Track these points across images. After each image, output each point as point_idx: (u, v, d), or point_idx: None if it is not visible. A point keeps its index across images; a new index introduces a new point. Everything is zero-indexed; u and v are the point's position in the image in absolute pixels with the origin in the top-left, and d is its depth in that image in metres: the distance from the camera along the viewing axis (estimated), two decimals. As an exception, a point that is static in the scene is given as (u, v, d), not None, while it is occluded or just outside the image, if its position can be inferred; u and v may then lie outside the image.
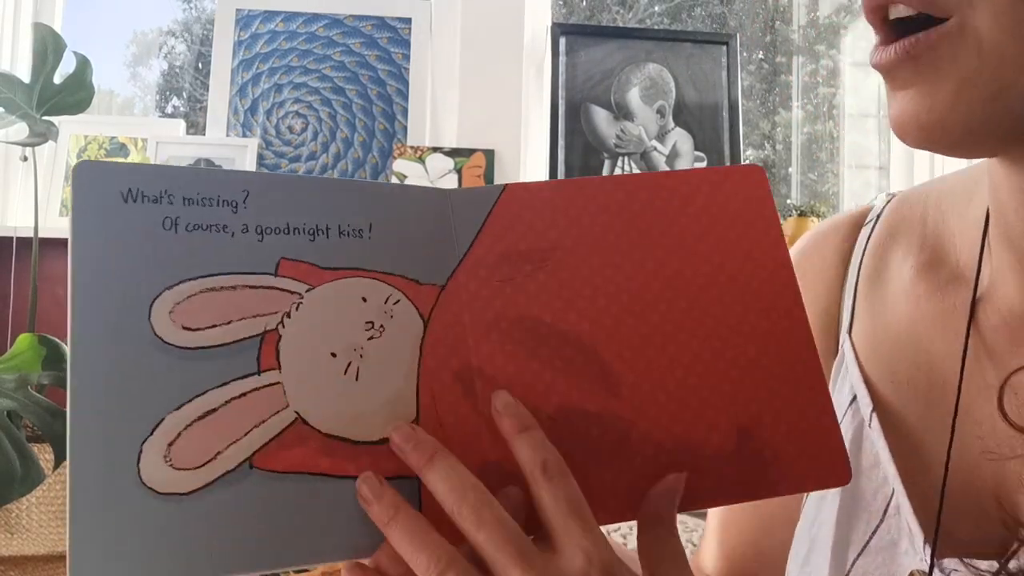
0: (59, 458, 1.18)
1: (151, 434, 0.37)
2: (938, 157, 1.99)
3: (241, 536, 0.37)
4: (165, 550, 0.36)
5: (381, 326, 0.42)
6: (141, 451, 0.36)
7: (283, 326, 0.40)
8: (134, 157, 1.90)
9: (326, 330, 0.41)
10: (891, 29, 0.40)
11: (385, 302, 0.42)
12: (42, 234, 1.60)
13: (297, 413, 0.39)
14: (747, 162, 2.01)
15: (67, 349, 0.37)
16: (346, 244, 0.42)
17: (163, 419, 0.37)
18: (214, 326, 0.39)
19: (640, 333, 0.44)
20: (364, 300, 0.42)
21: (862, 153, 2.26)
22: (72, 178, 0.39)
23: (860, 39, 2.32)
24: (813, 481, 0.44)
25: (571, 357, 0.43)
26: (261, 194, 0.41)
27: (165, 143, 1.92)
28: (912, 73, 0.39)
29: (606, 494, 0.42)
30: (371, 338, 0.41)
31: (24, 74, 1.60)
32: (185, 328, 0.38)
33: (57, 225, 1.84)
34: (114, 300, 0.38)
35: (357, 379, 0.41)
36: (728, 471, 0.43)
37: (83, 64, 1.58)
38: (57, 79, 1.58)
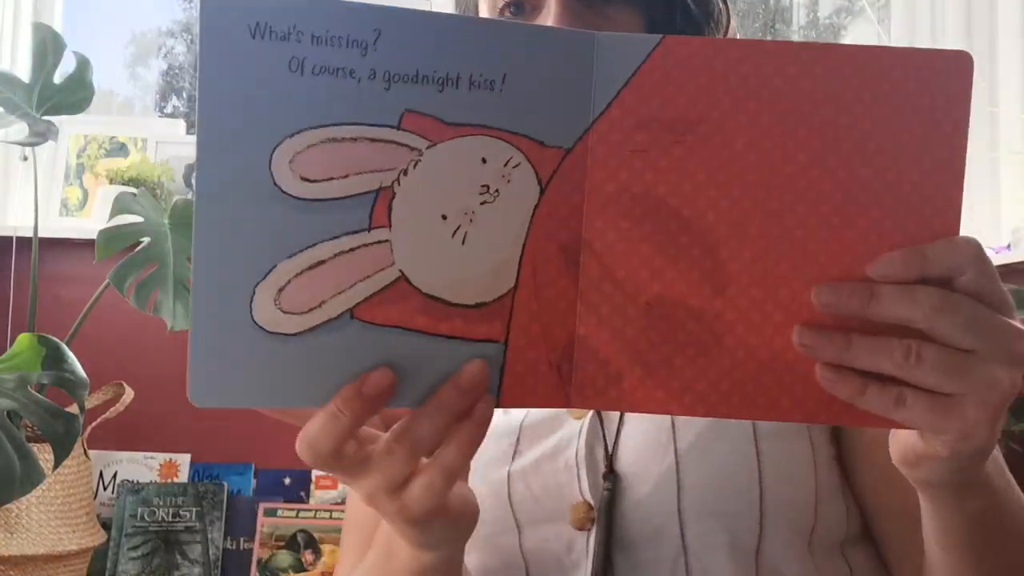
0: (59, 458, 1.18)
1: (264, 278, 0.39)
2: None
3: (335, 377, 0.40)
4: (268, 381, 0.39)
5: (496, 190, 0.41)
6: (254, 293, 0.39)
7: (398, 184, 0.40)
8: (134, 157, 1.90)
9: (441, 191, 0.40)
10: None
11: (505, 165, 0.41)
12: (42, 234, 1.60)
13: (401, 271, 0.40)
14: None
15: (193, 213, 0.39)
16: (475, 97, 0.40)
17: (276, 266, 0.39)
18: (331, 179, 0.39)
19: (767, 234, 0.40)
20: (484, 161, 0.41)
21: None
22: (200, 9, 0.38)
23: (860, 41, 2.32)
24: (887, 423, 0.41)
25: (686, 247, 0.41)
26: (394, 34, 0.39)
27: (165, 143, 1.92)
28: None
29: (683, 388, 0.42)
30: (484, 203, 0.41)
31: (24, 74, 1.60)
32: (303, 179, 0.39)
33: (57, 225, 1.83)
34: (238, 146, 0.38)
35: (464, 243, 0.41)
36: (821, 392, 0.41)
37: (83, 64, 1.58)
38: (57, 79, 1.58)
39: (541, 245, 0.41)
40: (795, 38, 2.37)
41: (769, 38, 2.33)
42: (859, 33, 2.31)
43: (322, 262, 0.39)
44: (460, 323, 0.41)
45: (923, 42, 2.04)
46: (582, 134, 0.41)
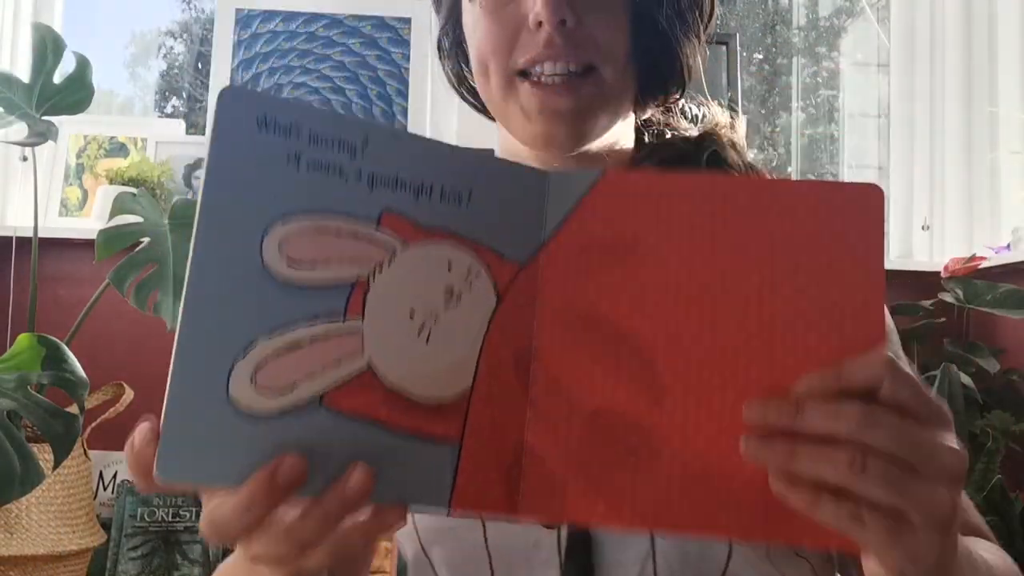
0: (59, 458, 1.18)
1: (243, 355, 0.40)
2: (937, 158, 1.98)
3: None
4: (237, 461, 0.40)
5: (459, 295, 0.44)
6: (232, 368, 0.40)
7: (373, 278, 0.43)
8: (134, 157, 1.90)
9: (411, 290, 0.43)
10: None
11: (468, 272, 0.44)
12: (42, 234, 1.60)
13: (369, 362, 0.42)
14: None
15: (187, 269, 0.41)
16: (446, 207, 0.44)
17: (255, 342, 0.40)
18: (315, 265, 0.41)
19: (701, 348, 0.43)
20: (449, 267, 0.44)
21: (862, 154, 2.26)
22: (217, 102, 0.41)
23: (860, 41, 2.33)
24: (839, 542, 0.41)
25: (625, 360, 0.44)
26: (379, 143, 0.43)
27: (165, 143, 1.92)
28: None
29: (622, 501, 0.43)
30: (448, 306, 0.44)
31: (24, 74, 1.60)
32: (290, 261, 0.41)
33: (57, 225, 1.83)
34: (234, 225, 0.41)
35: (428, 342, 0.43)
36: (755, 508, 0.41)
37: (83, 64, 1.58)
38: (57, 79, 1.58)
39: (496, 351, 0.44)
40: (795, 39, 2.37)
41: (769, 39, 2.33)
42: (859, 33, 2.31)
43: (299, 345, 0.41)
44: (419, 419, 0.43)
45: (923, 43, 2.04)
46: (535, 252, 0.46)
